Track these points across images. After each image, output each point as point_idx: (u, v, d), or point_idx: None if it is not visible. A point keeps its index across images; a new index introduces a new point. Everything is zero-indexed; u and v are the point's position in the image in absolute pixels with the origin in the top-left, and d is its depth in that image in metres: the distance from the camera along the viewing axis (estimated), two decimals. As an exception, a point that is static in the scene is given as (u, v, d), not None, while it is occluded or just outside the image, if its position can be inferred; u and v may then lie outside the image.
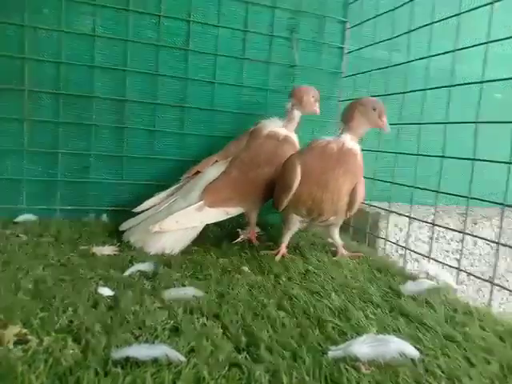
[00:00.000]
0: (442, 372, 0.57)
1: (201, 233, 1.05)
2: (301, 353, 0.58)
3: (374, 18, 1.33)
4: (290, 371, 0.54)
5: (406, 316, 0.74)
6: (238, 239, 1.13)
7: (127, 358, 0.53)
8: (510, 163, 0.85)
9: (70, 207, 1.23)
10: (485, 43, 0.91)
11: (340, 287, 0.86)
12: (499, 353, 0.62)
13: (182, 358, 0.54)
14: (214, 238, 1.14)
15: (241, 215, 1.13)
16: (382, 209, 1.29)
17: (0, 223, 1.09)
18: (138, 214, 1.08)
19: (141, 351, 0.53)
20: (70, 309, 0.66)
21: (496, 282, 0.91)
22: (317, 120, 1.43)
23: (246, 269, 0.93)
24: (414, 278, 0.94)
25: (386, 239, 1.25)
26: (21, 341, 0.56)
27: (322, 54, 1.41)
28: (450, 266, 1.05)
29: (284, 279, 0.88)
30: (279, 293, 0.81)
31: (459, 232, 1.10)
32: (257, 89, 1.35)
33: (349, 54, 1.44)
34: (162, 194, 1.11)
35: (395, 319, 0.73)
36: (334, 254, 1.08)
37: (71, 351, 0.54)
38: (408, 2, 1.16)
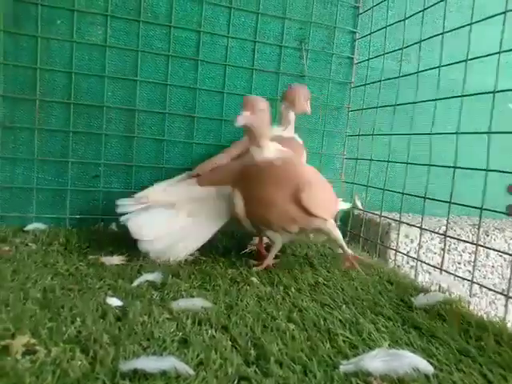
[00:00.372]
0: (457, 388, 0.55)
1: (210, 243, 1.05)
2: (311, 367, 0.57)
3: (383, 28, 1.33)
4: (300, 386, 0.53)
5: (418, 329, 0.73)
6: (247, 250, 1.12)
7: (135, 370, 0.52)
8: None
9: (79, 216, 1.23)
10: (497, 53, 0.91)
11: (350, 299, 0.84)
12: (516, 369, 0.61)
13: (191, 371, 0.53)
14: (223, 248, 1.13)
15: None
16: (393, 219, 1.28)
17: (10, 231, 1.09)
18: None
19: (149, 363, 0.53)
20: (78, 319, 0.65)
21: (511, 294, 0.89)
22: (327, 130, 1.43)
23: (254, 280, 0.92)
24: (425, 290, 0.93)
25: (396, 250, 1.23)
26: (29, 351, 0.55)
27: (331, 65, 1.41)
28: (463, 278, 1.03)
29: (293, 291, 0.87)
30: (289, 305, 0.80)
31: (472, 243, 1.08)
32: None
33: (358, 65, 1.44)
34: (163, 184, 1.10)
35: (407, 332, 0.71)
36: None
37: (79, 362, 0.54)
38: (418, 13, 1.16)
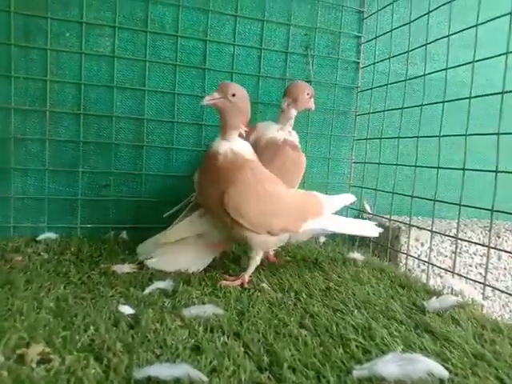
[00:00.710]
0: (473, 393, 0.55)
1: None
2: (325, 372, 0.57)
3: (388, 32, 1.33)
4: (314, 391, 0.52)
5: (431, 333, 0.73)
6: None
7: (149, 378, 0.52)
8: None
9: (90, 225, 1.24)
10: (505, 54, 0.90)
11: (362, 304, 0.84)
12: (532, 372, 0.60)
13: (204, 378, 0.53)
14: (233, 254, 1.14)
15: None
16: (403, 223, 1.27)
17: (23, 242, 1.11)
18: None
19: (163, 371, 0.53)
20: (91, 327, 0.66)
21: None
22: (334, 134, 1.44)
23: (265, 286, 0.92)
24: (438, 293, 0.92)
25: (407, 254, 1.23)
26: (43, 360, 0.56)
27: (337, 69, 1.42)
28: (475, 281, 1.02)
29: (304, 296, 0.87)
30: (300, 310, 0.79)
31: (484, 246, 1.07)
32: (272, 105, 1.36)
33: (364, 69, 1.44)
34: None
35: (421, 337, 0.71)
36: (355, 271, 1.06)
37: (93, 371, 0.54)
38: (423, 16, 1.16)
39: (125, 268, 0.96)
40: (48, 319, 0.68)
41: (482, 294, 0.97)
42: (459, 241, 1.10)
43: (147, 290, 0.83)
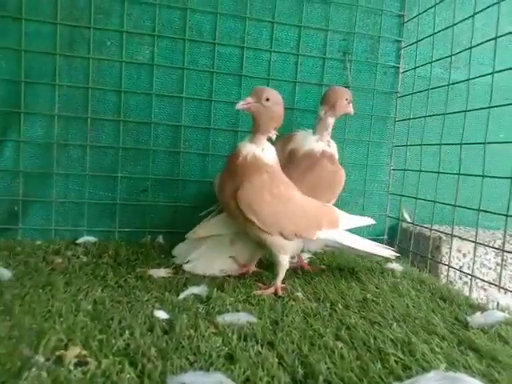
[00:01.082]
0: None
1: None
2: (362, 388, 0.55)
3: (430, 35, 1.29)
4: (351, 408, 0.50)
5: (476, 351, 0.69)
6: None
7: (183, 386, 0.52)
8: None
9: (127, 229, 1.27)
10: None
11: (401, 317, 0.81)
12: None
13: (238, 388, 0.52)
14: (267, 262, 1.12)
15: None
16: (444, 233, 1.22)
17: (63, 244, 1.14)
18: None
19: (196, 379, 0.53)
20: (126, 331, 0.66)
21: None
22: (372, 140, 1.40)
23: (299, 295, 0.90)
24: (482, 308, 0.88)
25: (449, 265, 1.18)
26: (80, 362, 0.57)
27: (376, 75, 1.39)
28: (524, 297, 0.97)
29: (340, 307, 0.84)
30: (336, 321, 0.77)
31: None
32: (309, 111, 1.35)
33: (404, 74, 1.40)
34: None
35: (464, 354, 0.67)
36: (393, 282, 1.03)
37: (128, 376, 0.54)
38: (469, 18, 1.11)
39: (160, 272, 0.97)
40: (85, 322, 0.69)
41: (531, 310, 0.92)
42: (505, 253, 1.04)
43: (182, 295, 0.84)
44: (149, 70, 1.24)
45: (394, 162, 1.43)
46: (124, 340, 0.64)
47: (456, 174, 1.13)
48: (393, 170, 1.43)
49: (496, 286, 1.01)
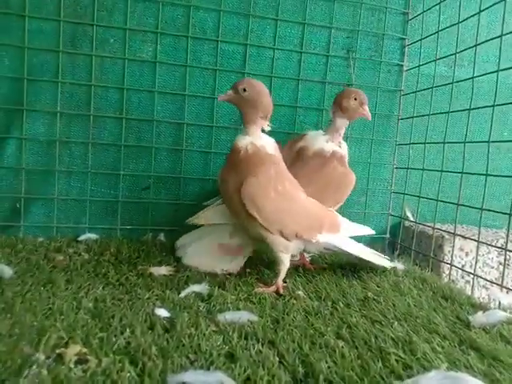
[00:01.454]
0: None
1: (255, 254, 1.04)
2: (363, 387, 0.55)
3: (435, 33, 1.28)
4: (351, 408, 0.50)
5: (477, 351, 0.68)
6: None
7: (183, 384, 0.52)
8: None
9: (129, 227, 1.27)
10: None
11: (403, 316, 0.81)
12: None
13: (238, 387, 0.52)
14: (268, 260, 1.12)
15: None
16: (447, 232, 1.22)
17: (64, 242, 1.14)
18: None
19: (197, 377, 0.53)
20: (127, 330, 0.66)
21: None
22: (376, 138, 1.40)
23: (301, 293, 0.90)
24: (484, 307, 0.87)
25: (451, 264, 1.17)
26: (81, 360, 0.57)
27: (379, 73, 1.38)
28: (526, 296, 0.96)
29: (342, 305, 0.84)
30: (337, 320, 0.77)
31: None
32: (312, 109, 1.34)
33: (408, 72, 1.39)
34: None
35: (466, 354, 0.67)
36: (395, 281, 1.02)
37: (128, 374, 0.54)
38: (474, 15, 1.11)
39: (161, 270, 0.97)
40: (86, 320, 0.69)
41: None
42: (508, 252, 1.04)
43: (183, 294, 0.84)
44: (152, 68, 1.24)
45: (397, 160, 1.42)
46: (125, 338, 0.64)
47: (459, 172, 1.12)
48: (396, 168, 1.43)
49: (498, 285, 1.00)
